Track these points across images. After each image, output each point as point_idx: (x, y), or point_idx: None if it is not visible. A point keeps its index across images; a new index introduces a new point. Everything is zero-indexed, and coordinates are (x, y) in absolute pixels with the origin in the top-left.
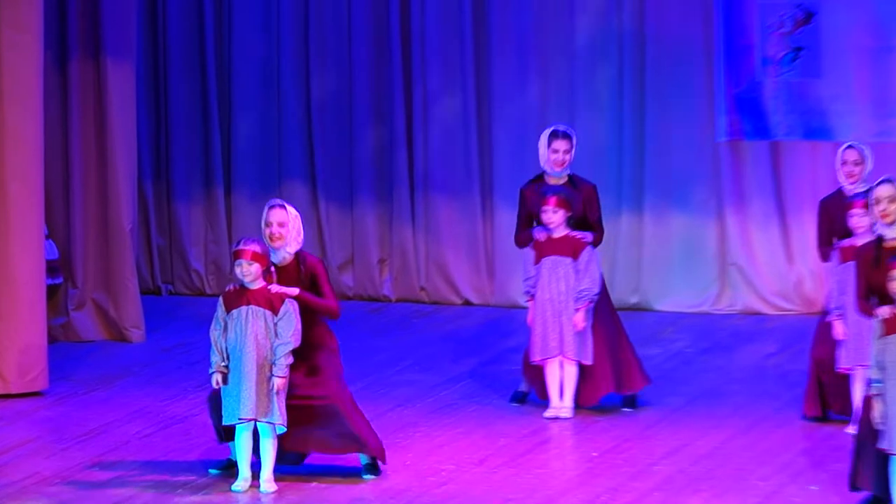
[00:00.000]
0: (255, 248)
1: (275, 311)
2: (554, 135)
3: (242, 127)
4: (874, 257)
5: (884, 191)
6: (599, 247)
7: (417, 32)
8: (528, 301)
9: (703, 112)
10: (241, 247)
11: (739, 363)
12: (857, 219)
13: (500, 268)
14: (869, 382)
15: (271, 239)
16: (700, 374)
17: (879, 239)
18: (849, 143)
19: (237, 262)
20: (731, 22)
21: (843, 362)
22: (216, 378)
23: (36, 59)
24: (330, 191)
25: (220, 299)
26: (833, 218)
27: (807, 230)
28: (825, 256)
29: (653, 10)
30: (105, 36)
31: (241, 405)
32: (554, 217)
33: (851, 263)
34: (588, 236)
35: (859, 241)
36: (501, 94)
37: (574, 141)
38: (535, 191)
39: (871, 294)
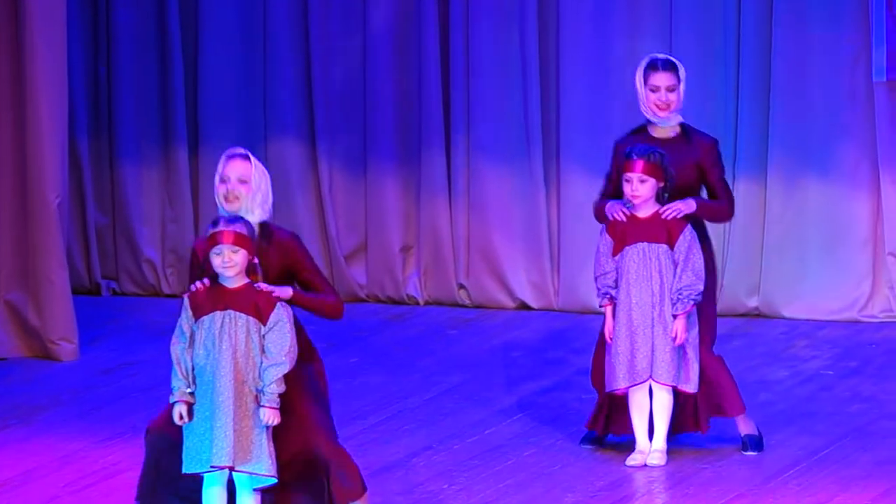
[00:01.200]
0: (240, 228)
1: (262, 320)
2: (652, 66)
3: (215, 65)
4: None
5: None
6: (712, 228)
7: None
8: (604, 306)
9: (853, 41)
10: (220, 227)
11: None
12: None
13: (568, 259)
14: None
15: (227, 199)
16: (845, 405)
17: None
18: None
19: (215, 248)
20: None
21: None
22: (180, 410)
23: None
24: (335, 152)
25: (185, 301)
26: None
27: None
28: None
29: None
30: None
31: (214, 448)
32: (641, 189)
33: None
34: (687, 206)
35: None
36: (573, 22)
37: (682, 74)
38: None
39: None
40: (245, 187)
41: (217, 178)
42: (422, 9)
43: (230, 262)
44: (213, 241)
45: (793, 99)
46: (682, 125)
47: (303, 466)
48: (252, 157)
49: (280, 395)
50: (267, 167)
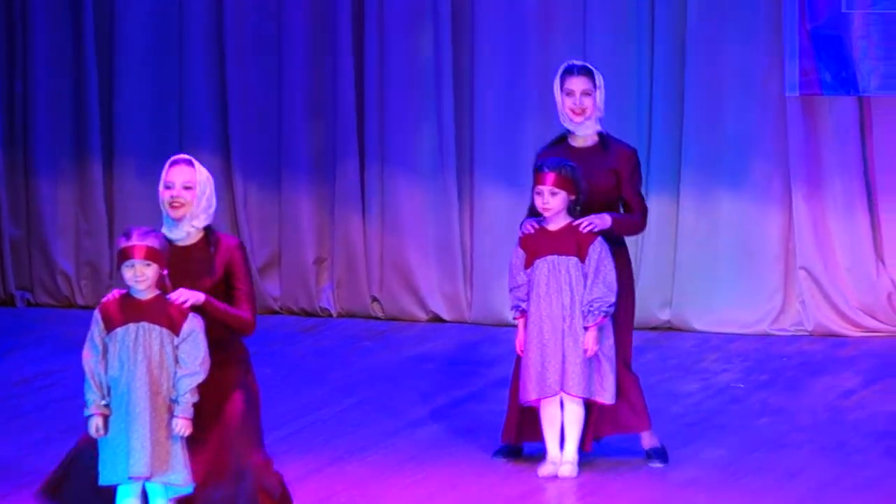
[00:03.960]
0: (152, 242)
1: (175, 331)
2: (568, 71)
3: (130, 79)
4: None
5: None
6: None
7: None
8: (517, 318)
9: (766, 57)
10: (132, 241)
11: (808, 404)
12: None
13: (481, 272)
14: None
15: (172, 206)
16: (755, 417)
17: None
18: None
19: (126, 262)
20: None
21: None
22: (96, 423)
23: None
24: (249, 165)
25: (97, 314)
26: None
27: None
28: None
29: None
30: None
31: (132, 458)
32: (552, 201)
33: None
34: (602, 221)
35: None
36: (487, 36)
37: (599, 81)
38: None
39: None
40: (190, 193)
41: (161, 185)
42: (336, 24)
43: (142, 277)
44: (125, 255)
45: (705, 114)
46: (600, 134)
47: (227, 476)
48: (196, 163)
49: (213, 403)
50: None
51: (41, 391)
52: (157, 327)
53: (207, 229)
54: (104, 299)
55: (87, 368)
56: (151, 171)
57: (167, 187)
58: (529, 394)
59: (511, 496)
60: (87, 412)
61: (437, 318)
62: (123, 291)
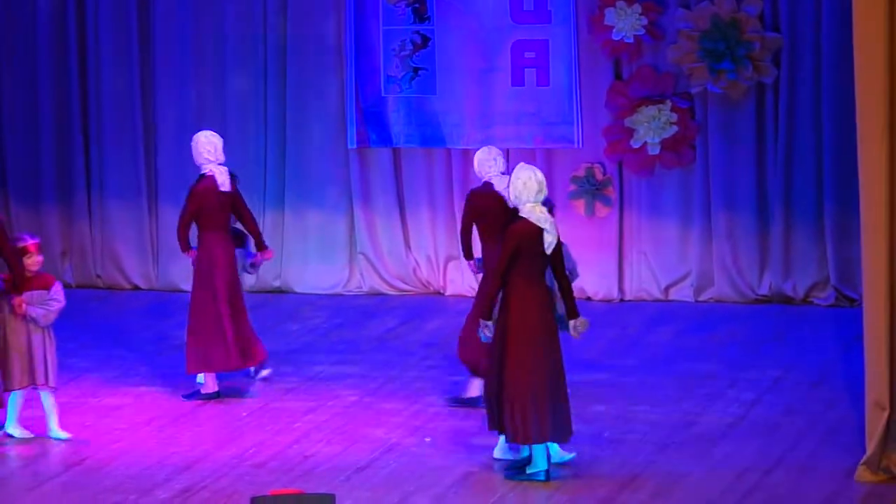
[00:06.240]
0: None
1: None
2: None
3: None
4: None
5: None
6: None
7: (92, 41)
8: None
9: (337, 122)
10: None
11: (367, 335)
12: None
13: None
14: None
15: None
16: (334, 345)
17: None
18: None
19: None
20: (359, 45)
21: None
22: None
23: None
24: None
25: None
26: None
27: (421, 224)
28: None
29: (294, 27)
30: None
31: None
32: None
33: None
34: None
35: None
36: (166, 99)
37: None
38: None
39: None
40: None
41: None
42: (70, 91)
43: None
44: None
45: (300, 157)
46: None
47: None
48: None
49: None
50: None
51: None
52: None
53: None
54: None
55: None
56: None
57: None
58: None
59: None
60: None
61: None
62: None
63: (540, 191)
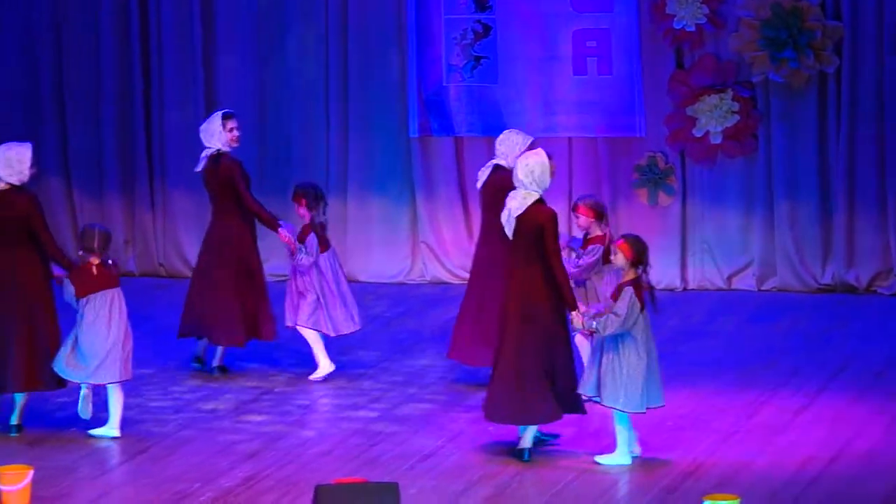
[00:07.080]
0: None
1: None
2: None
3: None
4: None
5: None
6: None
7: (154, 30)
8: None
9: (399, 111)
10: None
11: (429, 324)
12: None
13: None
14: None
15: None
16: (396, 333)
17: None
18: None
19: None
20: (421, 34)
21: None
22: None
23: None
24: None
25: None
26: None
27: None
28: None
29: (356, 16)
30: None
31: None
32: None
33: None
34: None
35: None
36: (228, 89)
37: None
38: None
39: None
40: None
41: None
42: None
43: None
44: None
45: (363, 146)
46: None
47: None
48: None
49: None
50: None
51: None
52: None
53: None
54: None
55: None
56: None
57: None
58: None
59: None
60: None
61: None
62: None
63: None
